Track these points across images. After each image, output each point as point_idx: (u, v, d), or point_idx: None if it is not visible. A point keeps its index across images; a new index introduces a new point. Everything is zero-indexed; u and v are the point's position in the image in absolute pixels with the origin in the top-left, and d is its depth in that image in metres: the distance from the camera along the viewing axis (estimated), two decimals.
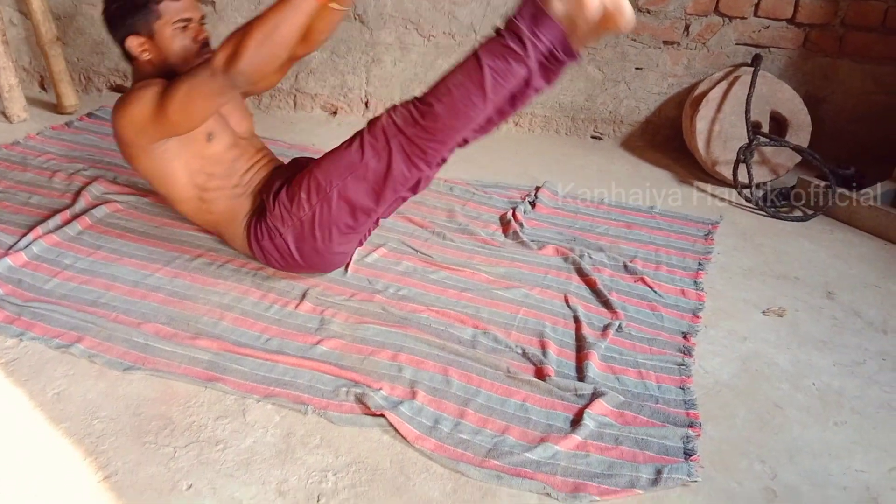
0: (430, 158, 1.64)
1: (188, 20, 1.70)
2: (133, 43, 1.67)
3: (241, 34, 1.48)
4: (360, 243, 1.94)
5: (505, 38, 1.50)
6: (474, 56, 1.53)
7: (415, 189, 1.78)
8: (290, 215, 1.71)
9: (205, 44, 1.75)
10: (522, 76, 1.55)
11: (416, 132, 1.58)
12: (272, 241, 1.75)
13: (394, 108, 1.62)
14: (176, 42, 1.69)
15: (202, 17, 1.75)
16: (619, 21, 1.51)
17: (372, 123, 1.64)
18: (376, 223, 1.93)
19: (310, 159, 1.89)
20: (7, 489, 1.23)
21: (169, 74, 1.66)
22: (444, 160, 1.73)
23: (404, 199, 1.84)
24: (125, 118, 1.64)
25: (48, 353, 1.55)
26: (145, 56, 1.69)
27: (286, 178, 1.76)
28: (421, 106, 1.57)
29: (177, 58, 1.70)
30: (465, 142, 1.73)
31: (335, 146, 1.71)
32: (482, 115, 1.60)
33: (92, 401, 1.43)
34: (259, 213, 1.77)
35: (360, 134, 1.65)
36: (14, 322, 1.63)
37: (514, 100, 1.64)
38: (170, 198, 1.81)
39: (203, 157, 1.75)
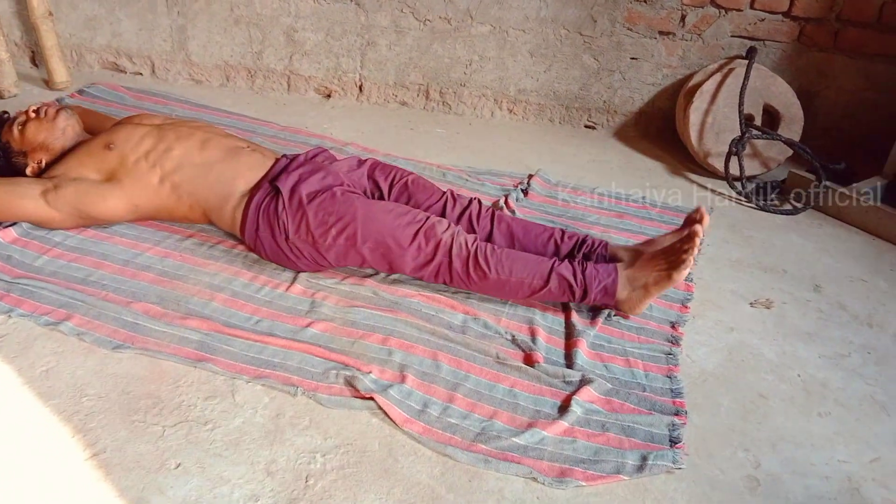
0: (452, 286, 1.77)
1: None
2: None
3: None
4: None
5: (576, 285, 1.67)
6: (549, 271, 1.67)
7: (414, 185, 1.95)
8: (307, 233, 1.71)
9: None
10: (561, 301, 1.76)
11: (460, 273, 1.69)
12: (272, 236, 1.75)
13: (459, 233, 1.71)
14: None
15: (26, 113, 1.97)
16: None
17: (432, 229, 1.70)
18: None
19: (332, 158, 1.94)
20: None
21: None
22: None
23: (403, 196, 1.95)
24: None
25: (37, 330, 1.55)
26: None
27: (319, 187, 1.76)
28: (482, 262, 1.67)
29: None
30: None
31: (389, 211, 1.72)
32: (512, 300, 1.78)
33: (80, 378, 1.43)
34: (268, 201, 1.76)
35: (418, 227, 1.70)
36: (3, 298, 1.62)
37: None
38: (168, 214, 1.90)
39: (133, 157, 1.84)
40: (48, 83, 2.92)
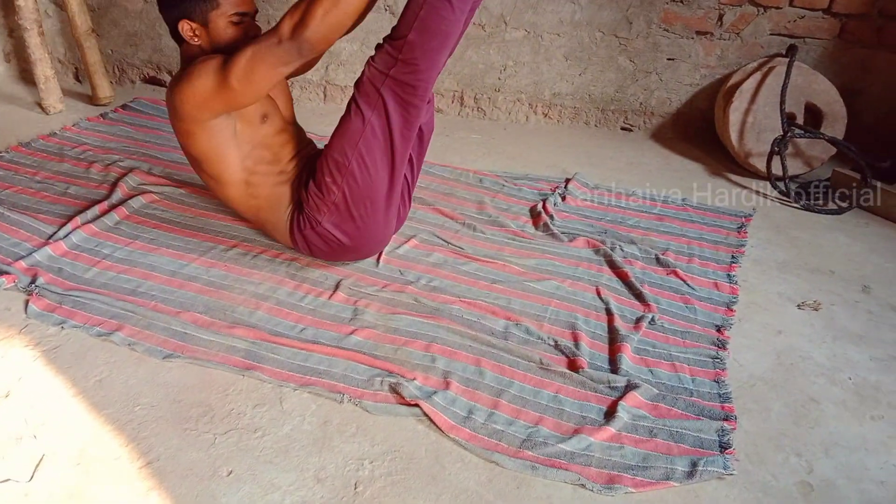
0: (421, 92, 1.62)
1: (243, 14, 1.69)
2: (185, 27, 1.66)
3: (308, 2, 1.51)
4: (400, 219, 1.95)
5: None
6: None
7: (421, 139, 1.82)
8: (323, 202, 1.72)
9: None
10: None
11: (399, 69, 1.57)
12: (314, 231, 1.76)
13: (370, 58, 1.61)
14: (227, 34, 1.68)
15: (255, 13, 1.76)
16: None
17: (358, 83, 1.64)
18: (409, 194, 1.93)
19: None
20: (52, 475, 1.26)
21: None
22: (431, 97, 1.74)
23: (421, 157, 1.88)
24: (186, 92, 1.63)
25: (89, 340, 1.58)
26: (195, 41, 1.69)
27: (311, 169, 1.79)
28: (395, 42, 1.55)
29: (225, 49, 1.68)
30: None
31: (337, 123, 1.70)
32: (456, 28, 1.57)
33: (133, 387, 1.46)
34: (298, 206, 1.79)
35: (352, 99, 1.65)
36: (55, 310, 1.66)
37: (475, 3, 1.61)
38: (218, 180, 1.79)
39: (255, 140, 1.75)
40: (92, 98, 3.00)
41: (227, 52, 1.63)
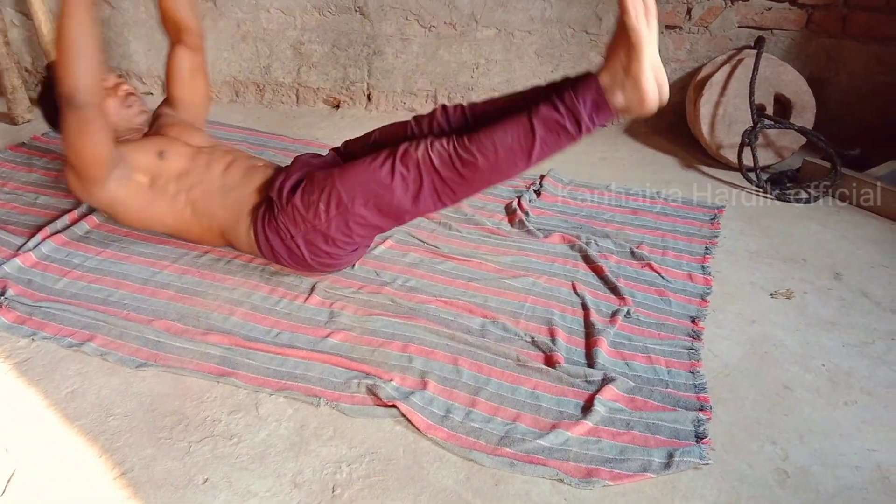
0: (458, 198, 1.68)
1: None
2: None
3: (55, 64, 1.64)
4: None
5: (563, 118, 1.52)
6: (528, 122, 1.54)
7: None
8: (303, 221, 1.70)
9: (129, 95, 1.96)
10: (566, 146, 1.60)
11: (452, 176, 1.59)
12: (282, 241, 1.74)
13: (432, 143, 1.61)
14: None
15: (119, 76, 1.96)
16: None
17: (406, 153, 1.62)
18: None
19: (315, 156, 1.89)
20: (25, 489, 1.24)
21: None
22: None
23: None
24: (69, 183, 1.81)
25: (60, 351, 1.56)
26: None
27: (297, 177, 1.75)
28: (464, 155, 1.57)
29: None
30: None
31: (361, 160, 1.67)
32: (519, 173, 1.64)
33: (106, 398, 1.44)
34: (266, 211, 1.76)
35: (391, 158, 1.63)
36: (25, 322, 1.64)
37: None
38: (175, 230, 1.89)
39: (167, 175, 1.82)
40: None
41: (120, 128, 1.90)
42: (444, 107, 1.77)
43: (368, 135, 1.88)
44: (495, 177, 1.62)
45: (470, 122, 1.73)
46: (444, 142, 1.60)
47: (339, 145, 1.95)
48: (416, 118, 1.80)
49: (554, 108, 1.52)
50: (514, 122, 1.55)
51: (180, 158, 1.85)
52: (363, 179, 1.64)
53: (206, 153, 1.90)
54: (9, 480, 1.25)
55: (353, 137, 1.93)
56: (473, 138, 1.57)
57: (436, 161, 1.59)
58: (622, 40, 1.46)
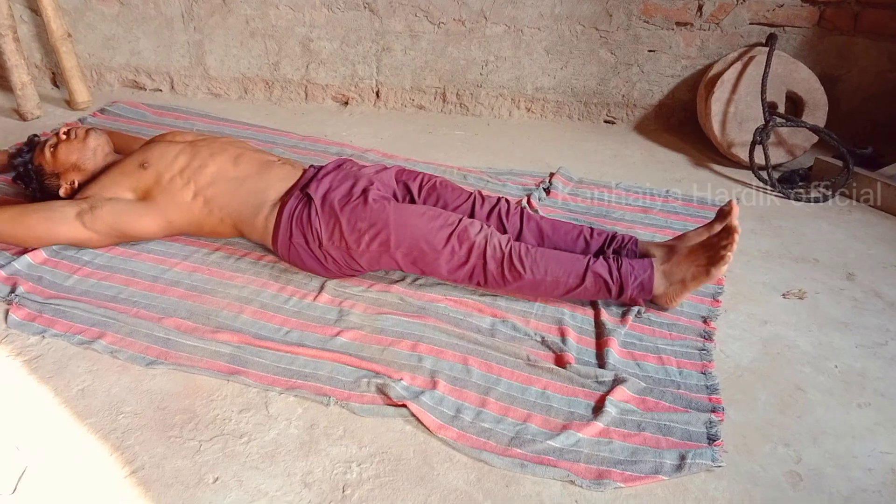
0: (486, 289, 1.78)
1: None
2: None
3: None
4: None
5: (612, 284, 1.67)
6: (583, 270, 1.67)
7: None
8: (341, 239, 1.72)
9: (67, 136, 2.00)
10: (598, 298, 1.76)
11: (496, 273, 1.69)
12: (307, 243, 1.75)
13: (492, 234, 1.70)
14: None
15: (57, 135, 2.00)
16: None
17: (465, 232, 1.69)
18: None
19: (361, 167, 1.92)
20: (35, 487, 1.24)
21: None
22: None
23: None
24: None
25: (70, 349, 1.57)
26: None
27: (346, 190, 1.77)
28: (516, 264, 1.66)
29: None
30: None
31: (421, 215, 1.71)
32: (547, 300, 1.77)
33: (116, 396, 1.44)
34: (300, 209, 1.76)
35: (451, 229, 1.69)
36: (36, 319, 1.64)
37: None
38: (197, 228, 1.89)
39: (170, 173, 1.85)
40: (70, 104, 2.96)
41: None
42: (507, 200, 1.90)
43: (428, 176, 1.95)
44: (528, 292, 1.74)
45: (523, 231, 1.85)
46: (504, 241, 1.69)
47: (391, 166, 1.97)
48: (480, 193, 1.92)
49: (608, 270, 1.67)
50: (572, 262, 1.68)
51: (171, 156, 1.88)
52: (417, 234, 1.69)
53: (204, 144, 1.93)
54: (20, 478, 1.25)
55: (408, 169, 2.00)
56: (531, 253, 1.69)
57: (489, 253, 1.67)
58: (701, 257, 1.66)
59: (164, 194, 1.84)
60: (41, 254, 1.86)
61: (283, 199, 1.79)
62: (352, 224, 1.71)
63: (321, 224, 1.72)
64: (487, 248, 1.67)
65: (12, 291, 1.72)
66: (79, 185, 1.96)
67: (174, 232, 1.91)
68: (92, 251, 1.89)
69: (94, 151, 1.99)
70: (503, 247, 1.68)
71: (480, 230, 1.70)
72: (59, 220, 1.83)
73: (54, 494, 1.23)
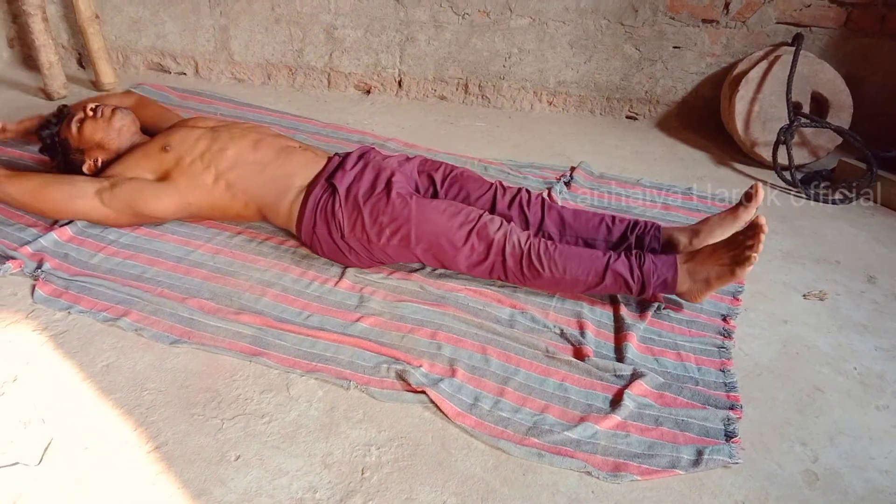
0: (508, 282, 1.76)
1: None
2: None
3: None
4: None
5: (633, 282, 1.65)
6: (604, 267, 1.66)
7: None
8: (363, 231, 1.74)
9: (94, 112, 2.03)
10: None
11: (514, 270, 1.69)
12: (329, 233, 1.77)
13: (512, 231, 1.70)
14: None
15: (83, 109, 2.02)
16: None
17: (485, 229, 1.70)
18: None
19: (386, 157, 1.92)
20: (61, 458, 1.26)
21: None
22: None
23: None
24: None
25: (96, 325, 1.59)
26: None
27: (370, 182, 1.78)
28: (535, 262, 1.67)
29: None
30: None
31: (442, 211, 1.72)
32: (567, 295, 1.78)
33: (140, 372, 1.47)
34: (325, 199, 1.78)
35: (471, 227, 1.70)
36: (62, 295, 1.67)
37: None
38: (222, 213, 1.91)
39: (191, 156, 1.87)
40: (95, 84, 2.99)
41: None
42: (528, 190, 1.90)
43: (451, 166, 1.96)
44: (548, 289, 1.75)
45: (545, 221, 1.85)
46: (523, 238, 1.69)
47: (414, 156, 1.98)
48: (501, 184, 1.90)
49: (629, 269, 1.65)
50: (591, 260, 1.67)
51: (192, 140, 1.89)
52: (437, 231, 1.70)
53: (224, 129, 1.95)
54: (45, 450, 1.28)
55: (431, 159, 2.00)
56: (550, 251, 1.68)
57: (508, 250, 1.68)
58: (725, 256, 1.63)
59: (185, 176, 1.85)
60: (67, 231, 1.88)
61: (309, 188, 1.80)
62: (373, 218, 1.72)
63: (344, 216, 1.74)
64: (507, 245, 1.68)
65: (39, 267, 1.75)
66: (103, 163, 1.98)
67: (196, 214, 1.92)
68: (117, 230, 1.91)
69: (119, 132, 2.01)
70: (522, 244, 1.68)
71: (500, 227, 1.71)
72: (79, 195, 1.85)
73: (79, 466, 1.25)
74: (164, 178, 1.87)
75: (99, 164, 1.98)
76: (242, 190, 1.84)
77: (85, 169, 1.98)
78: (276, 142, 1.93)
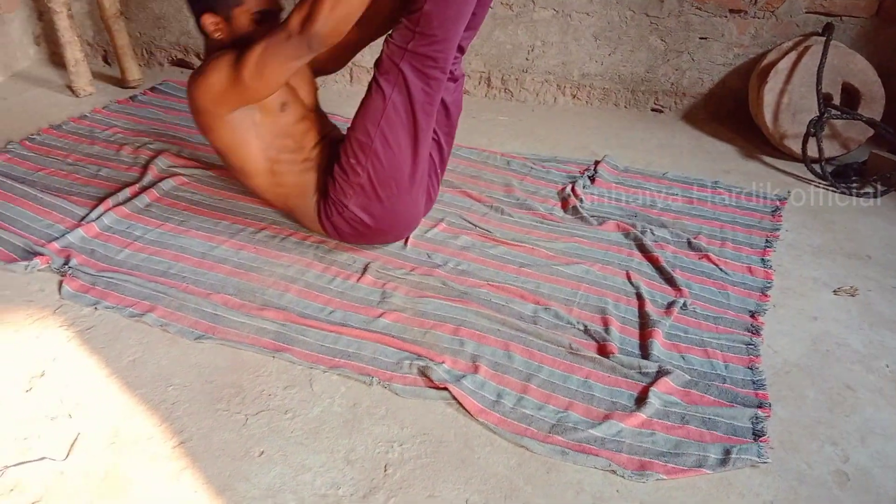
0: (442, 63, 1.61)
1: (266, 12, 1.68)
2: (208, 20, 1.66)
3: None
4: (430, 200, 1.95)
5: None
6: None
7: (449, 118, 1.82)
8: (349, 185, 1.72)
9: None
10: None
11: (418, 42, 1.56)
12: (341, 216, 1.76)
13: (388, 35, 1.62)
14: (249, 31, 1.67)
15: (280, 11, 1.73)
16: None
17: (378, 62, 1.64)
18: (438, 176, 1.94)
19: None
20: (86, 453, 1.28)
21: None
22: (454, 71, 1.74)
23: (450, 139, 1.89)
24: (202, 87, 1.65)
25: (122, 321, 1.60)
26: (217, 35, 1.69)
27: (336, 154, 1.77)
28: (412, 15, 1.54)
29: (246, 45, 1.63)
30: (462, 49, 1.72)
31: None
32: None
33: (165, 368, 1.48)
34: (324, 192, 1.79)
35: (373, 79, 1.65)
36: (89, 291, 1.68)
37: None
38: (242, 171, 1.79)
39: (276, 129, 1.75)
40: (121, 81, 3.02)
41: (246, 48, 1.61)
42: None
43: None
44: (451, 11, 1.53)
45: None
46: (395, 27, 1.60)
47: None
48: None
49: None
50: None
51: (291, 116, 1.78)
52: (364, 112, 1.67)
53: (310, 120, 1.84)
54: (72, 445, 1.29)
55: None
56: None
57: (398, 42, 1.57)
58: None
59: (256, 135, 1.74)
60: (94, 228, 1.90)
61: (320, 192, 1.82)
62: (342, 168, 1.73)
63: (336, 192, 1.76)
64: (392, 40, 1.59)
65: (66, 263, 1.77)
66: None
67: (258, 122, 1.74)
68: (143, 226, 1.93)
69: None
70: (396, 27, 1.58)
71: (381, 50, 1.63)
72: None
73: (104, 461, 1.26)
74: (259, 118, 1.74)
75: (218, 36, 1.71)
76: (280, 183, 1.80)
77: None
78: (330, 150, 1.86)
